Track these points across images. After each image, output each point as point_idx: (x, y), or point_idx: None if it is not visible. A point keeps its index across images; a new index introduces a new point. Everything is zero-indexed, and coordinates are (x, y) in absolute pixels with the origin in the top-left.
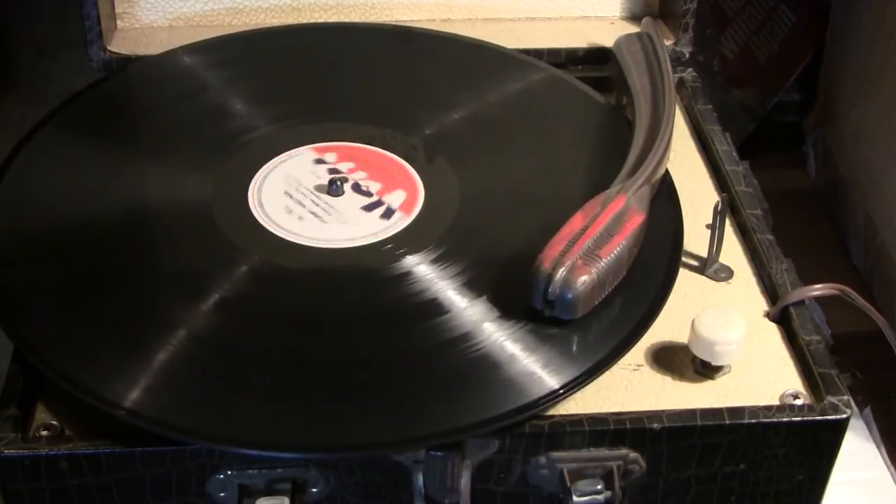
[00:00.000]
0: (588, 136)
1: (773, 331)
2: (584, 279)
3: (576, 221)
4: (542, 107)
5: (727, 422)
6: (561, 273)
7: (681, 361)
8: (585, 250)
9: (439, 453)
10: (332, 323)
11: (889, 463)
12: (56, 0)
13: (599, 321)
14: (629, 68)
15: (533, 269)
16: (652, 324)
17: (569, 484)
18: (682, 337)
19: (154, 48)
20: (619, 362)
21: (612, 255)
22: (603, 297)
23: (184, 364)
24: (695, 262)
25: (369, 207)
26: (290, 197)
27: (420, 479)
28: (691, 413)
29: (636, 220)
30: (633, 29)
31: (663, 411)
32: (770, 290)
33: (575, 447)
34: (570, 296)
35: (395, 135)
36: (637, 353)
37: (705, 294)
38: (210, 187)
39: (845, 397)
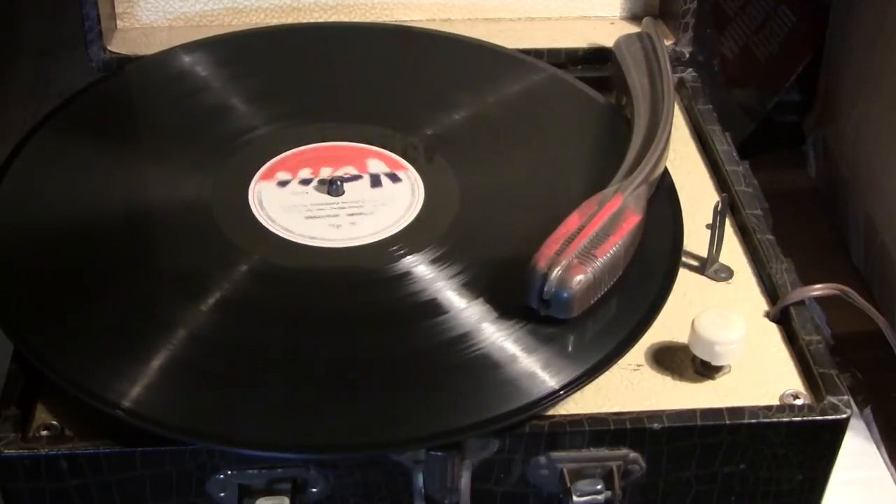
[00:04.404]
0: (588, 137)
1: (773, 331)
2: (579, 278)
3: (572, 221)
4: (541, 107)
5: (727, 422)
6: (556, 272)
7: (681, 361)
8: (581, 250)
9: (439, 453)
10: (332, 323)
11: (889, 463)
12: (56, 0)
13: (599, 321)
14: (629, 68)
15: (529, 268)
16: (652, 324)
17: (569, 484)
18: (682, 337)
19: (154, 48)
20: (619, 362)
21: (609, 254)
22: (599, 296)
23: (184, 364)
24: (695, 262)
25: (375, 183)
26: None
27: (420, 479)
28: (691, 413)
29: (633, 219)
30: (633, 29)
31: (663, 411)
32: (770, 290)
33: (575, 447)
34: (565, 295)
35: (395, 135)
36: (637, 353)
37: (705, 294)
38: (210, 187)
39: (845, 397)
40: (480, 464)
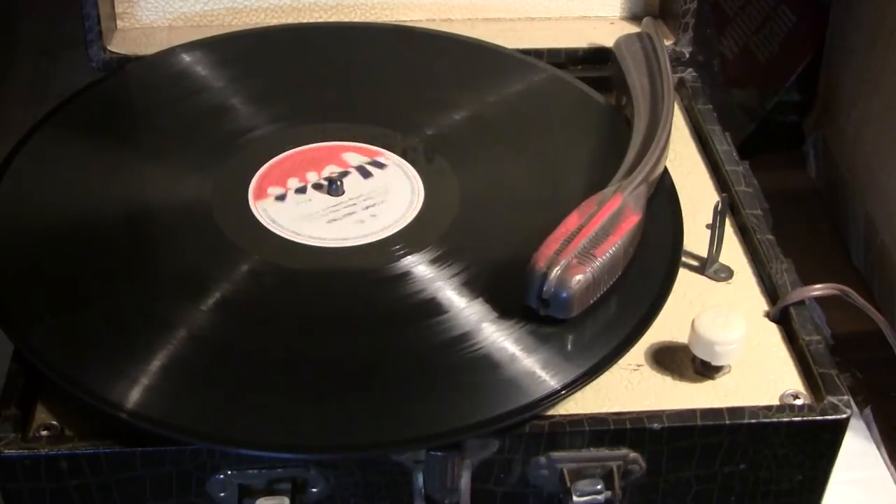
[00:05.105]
0: (588, 137)
1: (773, 331)
2: (578, 278)
3: (571, 221)
4: (541, 107)
5: (727, 422)
6: (556, 272)
7: (681, 361)
8: (581, 249)
9: (439, 453)
10: (332, 323)
11: (889, 463)
12: (56, 0)
13: (599, 321)
14: (629, 68)
15: (528, 267)
16: (652, 324)
17: (569, 484)
18: (682, 337)
19: (154, 48)
20: (619, 362)
21: (608, 254)
22: (598, 296)
23: (184, 364)
24: (695, 262)
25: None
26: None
27: (420, 479)
28: (691, 413)
29: (632, 219)
30: (633, 29)
31: (663, 411)
32: (770, 290)
33: (575, 447)
34: (564, 295)
35: (395, 135)
36: (637, 353)
37: (705, 294)
38: (210, 187)
39: (845, 397)
40: (480, 464)
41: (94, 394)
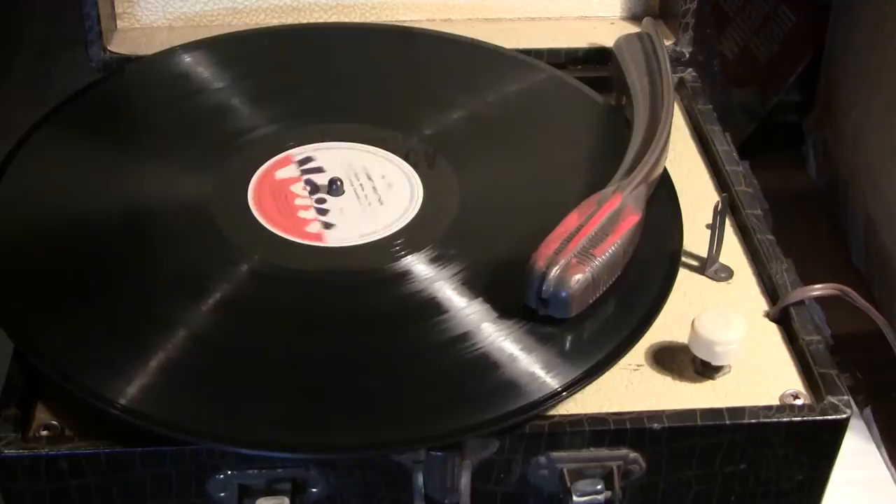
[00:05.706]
0: (588, 137)
1: (773, 331)
2: (578, 278)
3: (571, 220)
4: (541, 107)
5: (727, 422)
6: (555, 272)
7: (681, 361)
8: (580, 249)
9: (439, 453)
10: (332, 322)
11: (889, 463)
12: (56, 0)
13: (600, 321)
14: (629, 68)
15: (527, 267)
16: (652, 324)
17: (569, 484)
18: (682, 337)
19: (154, 48)
20: (620, 362)
21: (607, 254)
22: (597, 296)
23: (184, 364)
24: (695, 262)
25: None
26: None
27: (420, 479)
28: (691, 413)
29: (632, 219)
30: (633, 29)
31: (663, 411)
32: (770, 290)
33: (575, 447)
34: (564, 294)
35: (395, 135)
36: (637, 353)
37: (705, 294)
38: (210, 187)
39: (845, 397)
40: (480, 464)
41: (94, 393)
